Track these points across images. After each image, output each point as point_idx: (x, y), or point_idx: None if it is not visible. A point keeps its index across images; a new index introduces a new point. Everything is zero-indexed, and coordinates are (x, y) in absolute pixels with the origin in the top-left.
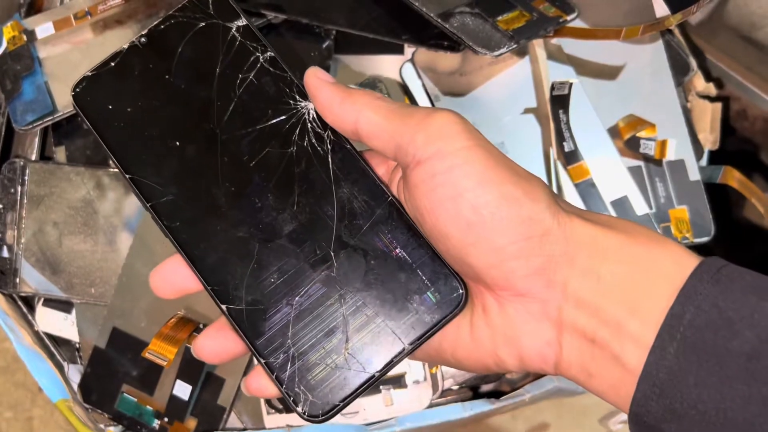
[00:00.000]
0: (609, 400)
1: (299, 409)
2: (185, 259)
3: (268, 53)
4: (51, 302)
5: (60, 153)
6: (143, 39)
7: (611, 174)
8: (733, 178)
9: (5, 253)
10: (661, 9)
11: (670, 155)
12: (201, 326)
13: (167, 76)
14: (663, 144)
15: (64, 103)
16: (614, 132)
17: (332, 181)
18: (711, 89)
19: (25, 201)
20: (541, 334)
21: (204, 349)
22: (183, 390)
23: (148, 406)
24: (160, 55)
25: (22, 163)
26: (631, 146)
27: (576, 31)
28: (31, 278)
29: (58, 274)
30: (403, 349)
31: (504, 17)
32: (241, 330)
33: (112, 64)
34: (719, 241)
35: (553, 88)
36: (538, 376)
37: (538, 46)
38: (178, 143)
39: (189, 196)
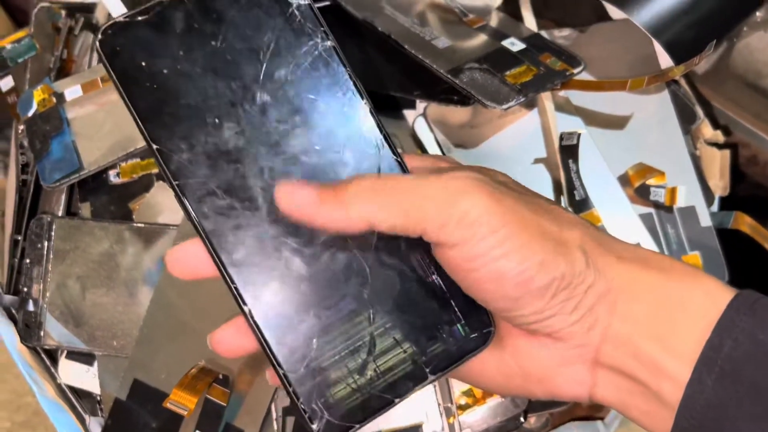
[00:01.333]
0: (646, 428)
1: (314, 426)
2: (209, 249)
3: (328, 42)
4: (73, 355)
5: (85, 209)
6: None
7: (623, 221)
8: (744, 223)
9: (30, 307)
10: (665, 60)
11: (681, 202)
12: (220, 377)
13: (212, 41)
14: (673, 191)
15: (91, 160)
16: (624, 180)
17: None
18: (719, 136)
19: (51, 256)
20: (575, 375)
21: (221, 342)
22: None
23: None
24: (206, 14)
25: (49, 218)
26: (641, 194)
27: (583, 84)
28: (55, 331)
29: (81, 326)
30: (426, 379)
31: (512, 72)
32: (262, 335)
33: (150, 14)
34: (733, 286)
35: (561, 138)
36: (558, 420)
37: (546, 98)
38: (216, 120)
39: (221, 181)
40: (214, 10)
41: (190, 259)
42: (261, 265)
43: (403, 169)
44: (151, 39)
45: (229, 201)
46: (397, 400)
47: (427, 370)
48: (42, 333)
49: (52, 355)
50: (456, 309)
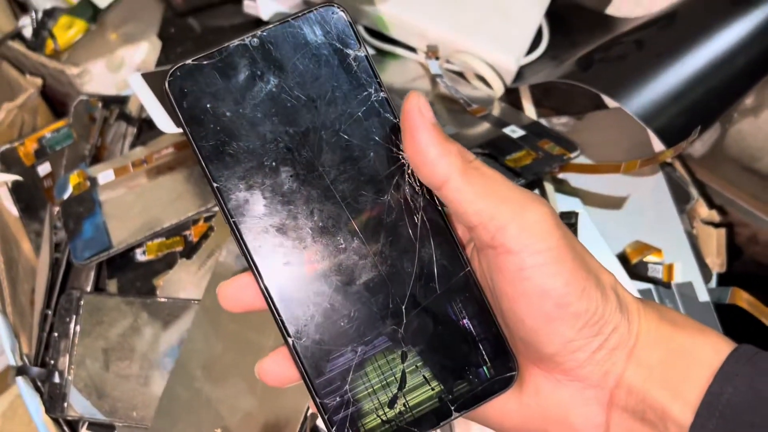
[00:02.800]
0: None
1: None
2: (260, 284)
3: (382, 94)
4: (95, 426)
5: (112, 285)
6: (255, 40)
7: None
8: (741, 298)
9: (56, 379)
10: (658, 144)
11: (678, 278)
12: None
13: (272, 87)
14: (670, 267)
15: (120, 239)
16: (622, 257)
17: (417, 240)
18: (714, 216)
19: (78, 329)
20: (592, 417)
21: (267, 372)
22: None
23: None
24: (268, 61)
25: (78, 294)
26: (639, 270)
27: (580, 167)
28: (78, 403)
29: (103, 398)
30: (451, 416)
31: (512, 156)
32: (303, 366)
33: (216, 58)
34: None
35: (561, 217)
36: None
37: (545, 180)
38: (273, 163)
39: (275, 222)
40: (275, 57)
41: (240, 292)
42: (306, 300)
43: (445, 219)
44: (216, 82)
45: (281, 239)
46: None
47: (453, 407)
48: (66, 404)
49: (74, 426)
50: (483, 352)
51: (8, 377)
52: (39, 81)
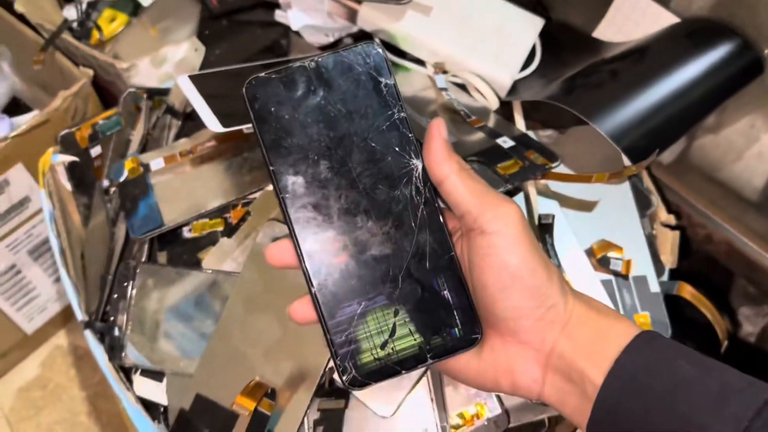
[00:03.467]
0: (573, 421)
1: (344, 378)
2: (295, 246)
3: (403, 114)
4: (146, 372)
5: (162, 256)
6: (312, 63)
7: (587, 286)
8: (686, 291)
9: (116, 333)
10: (626, 159)
11: (635, 271)
12: (269, 390)
13: (321, 100)
14: (628, 263)
15: (170, 219)
16: (590, 252)
17: (417, 227)
18: (671, 219)
19: (134, 292)
20: (531, 373)
21: (296, 311)
22: None
23: None
24: (320, 80)
25: (134, 263)
26: (603, 264)
27: (558, 176)
28: (132, 354)
29: (155, 350)
30: (426, 361)
31: (502, 165)
32: (321, 311)
33: (281, 74)
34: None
35: (540, 218)
36: None
37: (530, 185)
38: (315, 157)
39: (312, 199)
40: (326, 78)
41: (282, 251)
42: (328, 262)
43: (441, 214)
44: (279, 92)
45: (314, 214)
46: (403, 372)
47: (428, 355)
48: (123, 354)
49: (128, 373)
50: (456, 317)
51: (47, 331)
52: (91, 72)
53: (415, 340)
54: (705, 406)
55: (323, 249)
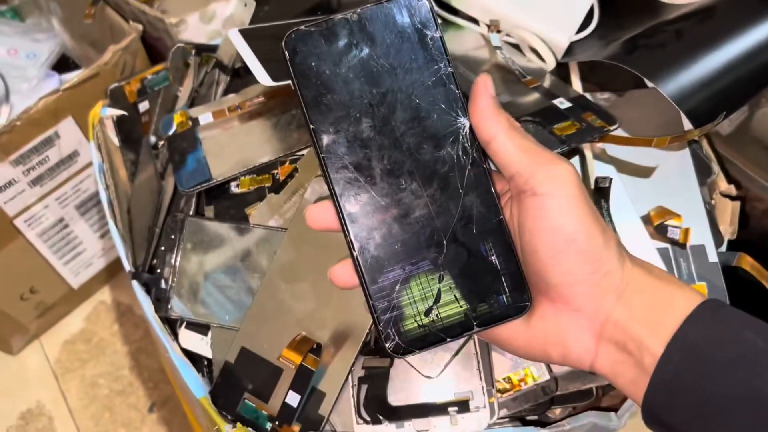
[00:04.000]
0: (627, 393)
1: (387, 345)
2: (337, 208)
3: (449, 69)
4: (191, 325)
5: (209, 211)
6: (354, 16)
7: (642, 254)
8: (746, 262)
9: (162, 285)
10: (687, 124)
11: (693, 241)
12: (315, 346)
13: (364, 54)
14: (686, 231)
15: (218, 173)
16: (646, 219)
17: (463, 189)
18: (732, 190)
19: (182, 245)
20: (583, 343)
21: (338, 275)
22: (293, 399)
23: (263, 411)
24: (363, 33)
25: (181, 216)
26: (659, 231)
27: (617, 139)
28: (178, 306)
29: (200, 303)
30: (472, 329)
31: (558, 126)
32: (363, 275)
33: (322, 26)
34: None
35: (596, 182)
36: (579, 411)
37: (586, 148)
38: (357, 114)
39: (354, 160)
40: (369, 31)
41: (323, 213)
42: (370, 224)
43: (488, 175)
44: (321, 45)
45: (356, 175)
46: (448, 340)
47: (475, 323)
48: (169, 306)
49: (173, 325)
50: (504, 284)
51: (92, 286)
52: (140, 27)
53: (460, 307)
54: None
55: (365, 211)
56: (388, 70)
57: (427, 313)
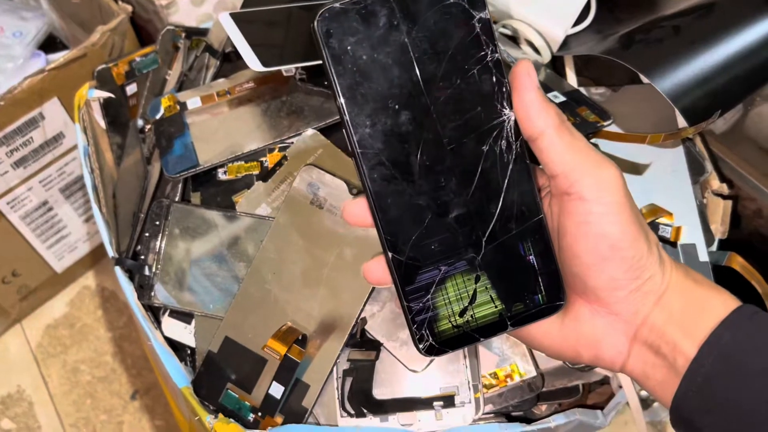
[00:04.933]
0: (657, 396)
1: (420, 345)
2: (371, 206)
3: (497, 55)
4: (175, 313)
5: (196, 197)
6: None
7: None
8: (736, 262)
9: (146, 272)
10: (682, 121)
11: (684, 239)
12: (300, 337)
13: (405, 39)
14: (678, 229)
15: (205, 159)
16: None
17: (504, 186)
18: (724, 188)
19: (167, 232)
20: (617, 345)
21: (372, 272)
22: (277, 390)
23: (246, 402)
24: (405, 14)
25: (167, 202)
26: (651, 229)
27: (611, 135)
28: (162, 293)
29: (184, 291)
30: (506, 329)
31: None
32: (397, 276)
33: (360, 4)
34: None
35: None
36: (565, 408)
37: None
38: (396, 106)
39: (390, 155)
40: (411, 10)
41: (358, 210)
42: (406, 224)
43: (530, 172)
44: (358, 27)
45: (393, 172)
46: (482, 340)
47: (509, 323)
48: (152, 293)
49: (156, 313)
50: (541, 283)
51: (76, 271)
52: (129, 8)
53: (496, 307)
54: None
55: (401, 210)
56: (431, 55)
57: (462, 313)
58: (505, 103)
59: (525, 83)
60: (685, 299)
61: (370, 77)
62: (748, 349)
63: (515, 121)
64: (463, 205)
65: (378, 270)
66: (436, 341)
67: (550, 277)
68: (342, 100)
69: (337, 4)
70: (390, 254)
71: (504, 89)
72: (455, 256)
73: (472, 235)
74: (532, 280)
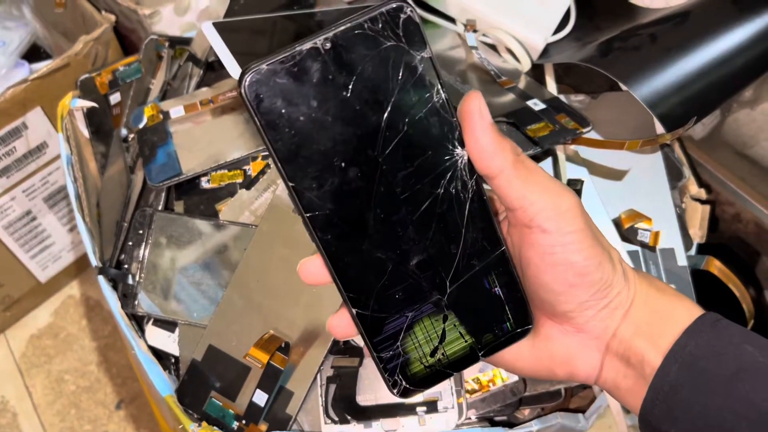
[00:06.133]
0: (628, 405)
1: (394, 390)
2: (329, 269)
3: (443, 94)
4: (159, 322)
5: (179, 206)
6: (327, 44)
7: None
8: (714, 266)
9: (129, 281)
10: (659, 127)
11: (662, 244)
12: (283, 344)
13: (343, 92)
14: (656, 234)
15: (188, 168)
16: (617, 222)
17: (464, 226)
18: (702, 193)
19: (150, 240)
20: (590, 361)
21: (336, 327)
22: (261, 398)
23: (230, 410)
24: (340, 65)
25: (150, 211)
26: (630, 234)
27: (589, 141)
28: (146, 302)
29: (168, 300)
30: (478, 360)
31: (532, 127)
32: (364, 330)
33: (289, 62)
34: None
35: (568, 183)
36: (548, 412)
37: (559, 150)
38: (342, 163)
39: (342, 215)
40: (346, 61)
41: (314, 269)
42: (366, 278)
43: (489, 207)
44: (289, 84)
45: (346, 230)
46: (454, 373)
47: (480, 354)
48: (136, 302)
49: (140, 322)
50: (508, 312)
51: (60, 280)
52: (113, 17)
53: (465, 341)
54: None
55: (360, 266)
56: (374, 104)
57: (433, 353)
58: (456, 143)
59: (476, 123)
60: (649, 310)
61: (310, 138)
62: (710, 356)
63: (468, 159)
64: (423, 250)
65: (343, 325)
66: (409, 384)
67: (516, 305)
68: (282, 166)
69: (263, 65)
70: (354, 311)
71: (454, 128)
72: (421, 301)
73: (436, 278)
74: (499, 311)
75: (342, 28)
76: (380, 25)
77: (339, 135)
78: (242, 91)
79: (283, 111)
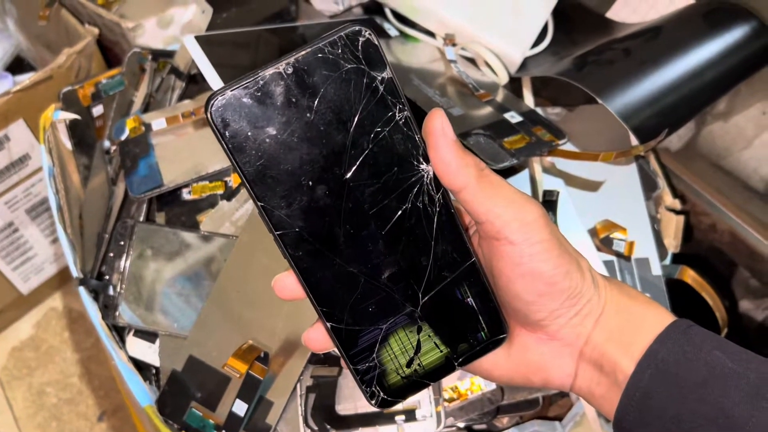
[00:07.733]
0: (602, 411)
1: (372, 401)
2: (302, 284)
3: (405, 112)
4: (139, 333)
5: (160, 217)
6: (288, 68)
7: None
8: (688, 275)
9: (110, 292)
10: (634, 139)
11: (637, 253)
12: (262, 354)
13: (306, 113)
14: (631, 244)
15: (170, 179)
16: (593, 232)
17: (433, 239)
18: (676, 204)
19: (131, 252)
20: (564, 368)
21: (313, 341)
22: (240, 408)
23: (210, 420)
24: (303, 88)
25: (131, 222)
26: (605, 244)
27: (565, 153)
28: (126, 313)
29: (149, 311)
30: (454, 369)
31: (509, 139)
32: (339, 343)
33: (252, 87)
34: None
35: (545, 195)
36: (525, 420)
37: (535, 161)
38: (310, 182)
39: (312, 232)
40: (308, 83)
41: (288, 285)
42: (339, 293)
43: (457, 219)
44: (253, 108)
45: (317, 246)
46: (431, 383)
47: (456, 363)
48: (117, 313)
49: (121, 332)
50: (482, 321)
51: (42, 292)
52: (96, 30)
53: (441, 351)
54: (741, 398)
55: (333, 281)
56: (338, 125)
57: (409, 364)
58: (420, 159)
59: (440, 140)
60: (621, 317)
61: (277, 159)
62: (683, 362)
63: (434, 174)
64: (394, 264)
65: (319, 338)
66: (387, 395)
67: (489, 314)
68: (250, 187)
69: (228, 91)
70: (329, 325)
71: (418, 144)
72: (394, 313)
73: (408, 290)
74: (473, 320)
75: (303, 52)
76: (340, 49)
77: (305, 155)
78: (209, 116)
79: (249, 134)
